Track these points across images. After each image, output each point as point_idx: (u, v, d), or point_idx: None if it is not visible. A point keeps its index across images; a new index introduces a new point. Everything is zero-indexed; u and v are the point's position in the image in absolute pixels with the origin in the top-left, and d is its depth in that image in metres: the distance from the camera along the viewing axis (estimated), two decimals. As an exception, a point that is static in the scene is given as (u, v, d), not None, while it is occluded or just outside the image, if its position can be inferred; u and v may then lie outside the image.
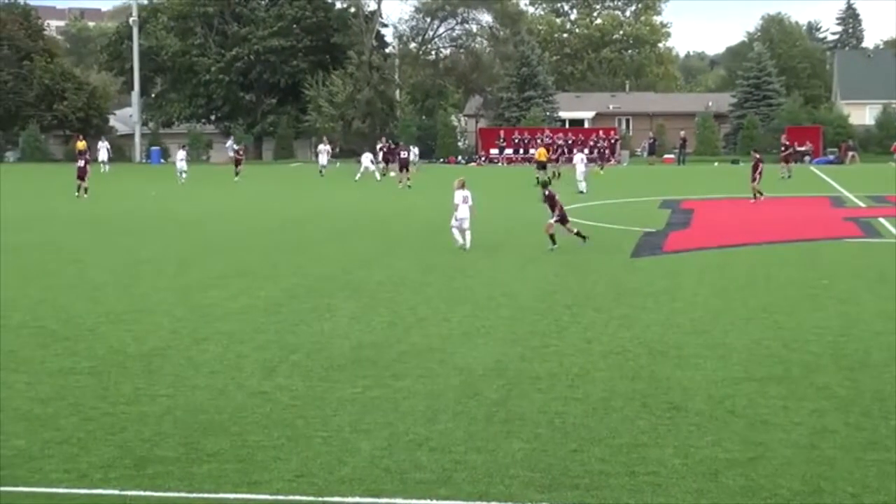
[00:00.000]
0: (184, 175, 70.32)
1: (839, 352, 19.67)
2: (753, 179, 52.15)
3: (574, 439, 14.57)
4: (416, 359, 19.36)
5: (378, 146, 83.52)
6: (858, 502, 12.31)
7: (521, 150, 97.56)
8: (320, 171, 77.91)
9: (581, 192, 57.19)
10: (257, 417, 15.72)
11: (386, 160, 79.72)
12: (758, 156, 53.09)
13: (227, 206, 53.08)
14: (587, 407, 16.10)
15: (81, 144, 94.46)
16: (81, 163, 59.42)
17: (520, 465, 13.60)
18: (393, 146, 79.74)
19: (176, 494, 12.77)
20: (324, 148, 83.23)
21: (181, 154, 74.58)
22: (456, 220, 34.54)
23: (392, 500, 12.54)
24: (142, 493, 12.82)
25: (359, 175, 71.56)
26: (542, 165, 66.79)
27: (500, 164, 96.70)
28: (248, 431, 15.05)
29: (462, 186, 34.74)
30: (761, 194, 51.77)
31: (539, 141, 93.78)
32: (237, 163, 75.09)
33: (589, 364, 18.83)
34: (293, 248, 35.68)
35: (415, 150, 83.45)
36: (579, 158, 61.27)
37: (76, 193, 57.67)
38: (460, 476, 13.22)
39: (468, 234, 34.43)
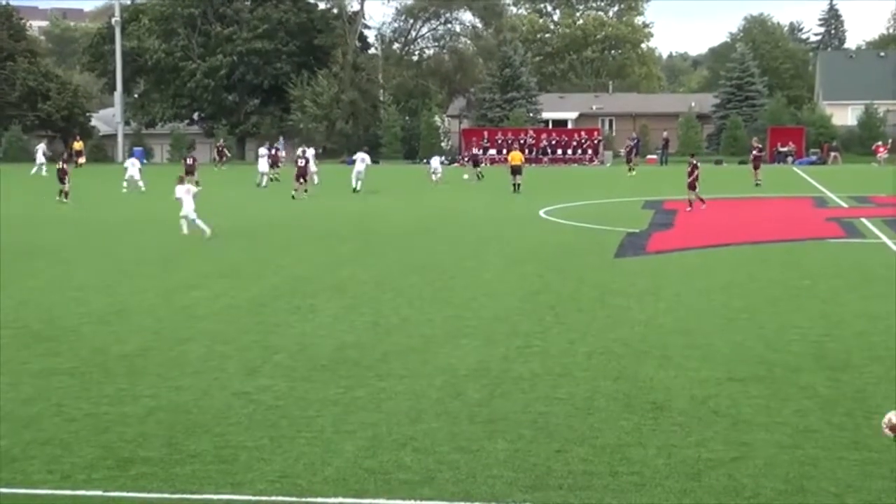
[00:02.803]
0: (140, 184, 64.48)
1: (822, 352, 19.71)
2: (692, 187, 49.05)
3: (557, 439, 14.57)
4: (399, 359, 19.35)
5: (266, 149, 74.58)
6: (841, 502, 12.33)
7: (505, 151, 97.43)
8: (259, 183, 67.50)
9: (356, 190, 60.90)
10: (240, 418, 15.70)
11: (273, 164, 71.17)
12: (694, 161, 50.82)
13: (208, 207, 52.98)
14: (570, 407, 16.11)
15: (78, 145, 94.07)
16: (61, 163, 57.42)
17: (503, 465, 13.60)
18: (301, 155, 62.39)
19: (159, 495, 12.75)
20: (264, 152, 72.73)
21: (132, 161, 68.20)
22: (183, 212, 38.26)
23: (375, 501, 12.53)
24: (125, 493, 12.79)
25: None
26: (516, 169, 61.68)
27: (483, 164, 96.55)
28: (230, 432, 15.03)
29: (182, 182, 39.44)
30: (702, 201, 48.95)
31: (516, 143, 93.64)
32: (190, 171, 65.96)
33: (572, 364, 18.84)
34: (275, 249, 35.63)
35: (440, 159, 77.08)
36: (360, 157, 62.96)
37: (57, 198, 55.69)
38: (444, 476, 13.22)
39: (201, 222, 37.91)
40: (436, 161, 73.32)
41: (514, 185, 60.33)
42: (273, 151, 72.84)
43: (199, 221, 38.00)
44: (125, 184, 64.84)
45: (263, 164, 69.17)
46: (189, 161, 70.12)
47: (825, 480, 12.97)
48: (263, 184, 66.34)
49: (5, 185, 65.87)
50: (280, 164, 73.17)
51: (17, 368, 18.82)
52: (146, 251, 35.13)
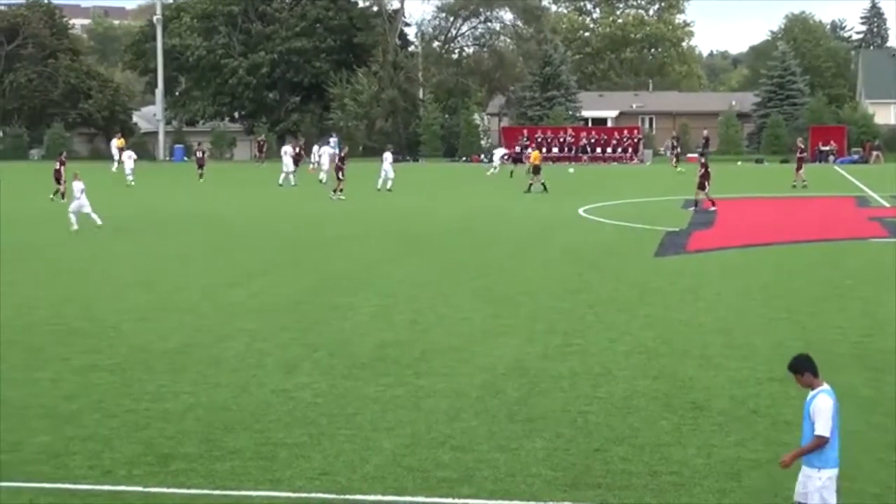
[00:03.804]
0: (129, 178, 65.72)
1: (863, 352, 19.60)
2: (702, 186, 47.25)
3: (596, 438, 14.56)
4: (437, 357, 19.38)
5: (291, 147, 71.81)
6: (881, 502, 12.27)
7: (544, 150, 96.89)
8: (281, 182, 64.66)
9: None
10: (279, 415, 15.77)
11: (296, 161, 69.40)
12: (703, 160, 49.31)
13: (248, 205, 53.11)
14: (609, 406, 16.09)
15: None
16: (57, 164, 54.83)
17: (542, 463, 13.61)
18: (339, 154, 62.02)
19: (199, 491, 12.82)
20: (288, 149, 69.58)
21: (129, 154, 70.64)
22: (74, 206, 40.29)
23: (414, 499, 12.56)
24: (165, 489, 12.88)
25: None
26: (536, 169, 59.51)
27: (525, 162, 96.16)
28: (270, 429, 15.09)
29: (77, 179, 41.13)
30: (705, 202, 47.31)
31: (532, 143, 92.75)
32: (200, 164, 70.76)
33: (611, 363, 18.82)
34: (314, 247, 35.71)
35: (500, 152, 78.72)
36: (384, 157, 63.15)
37: (51, 197, 53.22)
38: (482, 474, 13.24)
39: (94, 216, 40.09)
40: (498, 155, 75.38)
41: (542, 184, 58.25)
42: (296, 150, 72.05)
43: (93, 215, 40.12)
44: (130, 178, 66.37)
45: (290, 163, 67.49)
46: (199, 154, 72.97)
47: (865, 481, 12.92)
48: (293, 182, 65.19)
49: (47, 183, 66.00)
50: (300, 163, 72.19)
51: (59, 365, 18.96)
52: (185, 248, 35.29)
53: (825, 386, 10.77)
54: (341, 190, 54.11)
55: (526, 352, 19.81)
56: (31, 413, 15.94)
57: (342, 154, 57.56)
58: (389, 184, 59.80)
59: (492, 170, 74.17)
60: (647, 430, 14.91)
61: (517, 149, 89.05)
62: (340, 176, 54.85)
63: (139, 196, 58.36)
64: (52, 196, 53.61)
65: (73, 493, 12.81)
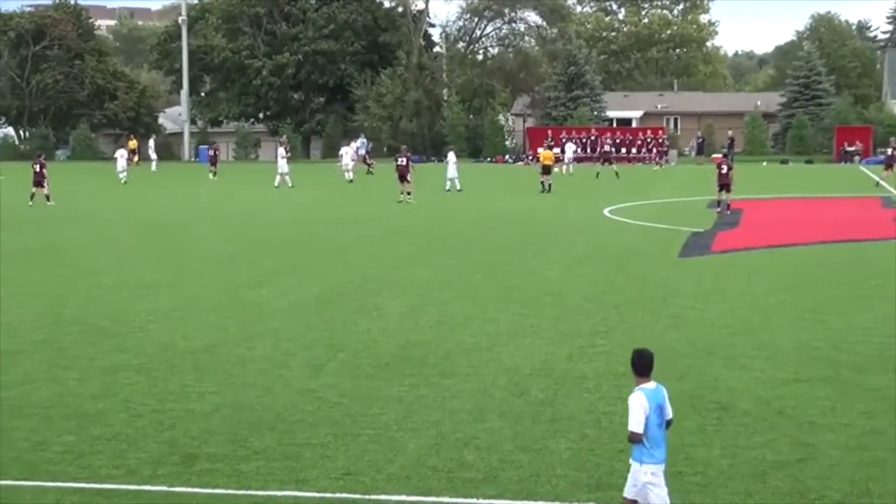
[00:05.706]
0: (122, 175, 67.17)
1: (889, 353, 19.52)
2: (729, 189, 46.48)
3: (621, 439, 14.51)
4: (463, 358, 19.38)
5: (283, 149, 68.91)
6: (908, 504, 12.23)
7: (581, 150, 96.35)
8: (278, 184, 64.07)
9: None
10: (305, 415, 15.79)
11: (365, 160, 71.13)
12: (718, 158, 47.46)
13: (273, 204, 53.21)
14: (635, 407, 16.05)
15: (132, 143, 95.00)
16: (37, 167, 52.48)
17: (566, 464, 13.60)
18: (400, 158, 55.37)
19: (224, 491, 12.85)
20: (281, 151, 67.61)
21: (121, 153, 71.38)
22: None
23: (439, 499, 12.57)
24: (190, 489, 12.92)
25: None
26: (546, 169, 59.08)
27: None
28: (295, 429, 15.12)
29: None
30: (719, 205, 46.70)
31: (545, 141, 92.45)
32: (213, 162, 74.36)
33: (636, 364, 18.77)
34: (340, 246, 35.73)
35: (572, 148, 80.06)
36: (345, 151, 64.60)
37: (30, 202, 51.20)
38: (507, 475, 13.24)
39: None
40: (570, 150, 76.45)
41: (543, 184, 58.12)
42: (288, 151, 71.04)
43: None
44: (122, 176, 67.26)
45: (283, 164, 65.98)
46: (211, 153, 76.08)
47: (892, 482, 12.87)
48: (289, 184, 64.07)
49: (73, 183, 66.36)
50: (370, 161, 73.13)
51: (85, 364, 19.03)
52: (211, 248, 35.35)
53: (645, 385, 11.15)
54: (408, 193, 52.61)
55: (551, 352, 19.80)
56: (56, 413, 16.01)
57: (408, 156, 54.99)
58: (458, 184, 59.28)
59: (567, 167, 76.54)
60: (672, 431, 14.82)
61: (606, 147, 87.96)
62: (409, 178, 52.89)
63: (161, 196, 58.56)
64: (30, 202, 51.51)
65: (99, 492, 12.86)
